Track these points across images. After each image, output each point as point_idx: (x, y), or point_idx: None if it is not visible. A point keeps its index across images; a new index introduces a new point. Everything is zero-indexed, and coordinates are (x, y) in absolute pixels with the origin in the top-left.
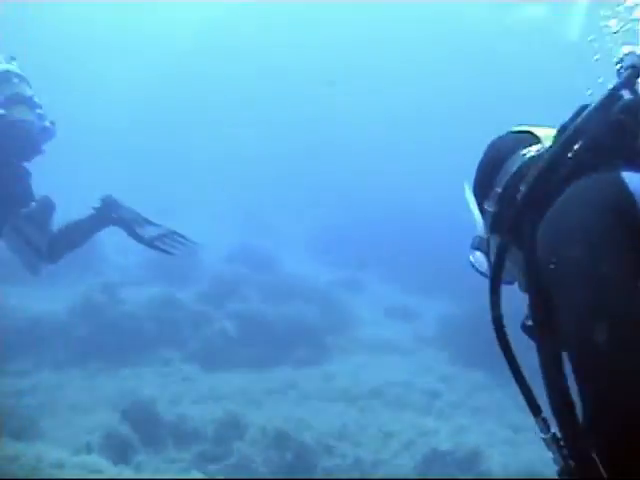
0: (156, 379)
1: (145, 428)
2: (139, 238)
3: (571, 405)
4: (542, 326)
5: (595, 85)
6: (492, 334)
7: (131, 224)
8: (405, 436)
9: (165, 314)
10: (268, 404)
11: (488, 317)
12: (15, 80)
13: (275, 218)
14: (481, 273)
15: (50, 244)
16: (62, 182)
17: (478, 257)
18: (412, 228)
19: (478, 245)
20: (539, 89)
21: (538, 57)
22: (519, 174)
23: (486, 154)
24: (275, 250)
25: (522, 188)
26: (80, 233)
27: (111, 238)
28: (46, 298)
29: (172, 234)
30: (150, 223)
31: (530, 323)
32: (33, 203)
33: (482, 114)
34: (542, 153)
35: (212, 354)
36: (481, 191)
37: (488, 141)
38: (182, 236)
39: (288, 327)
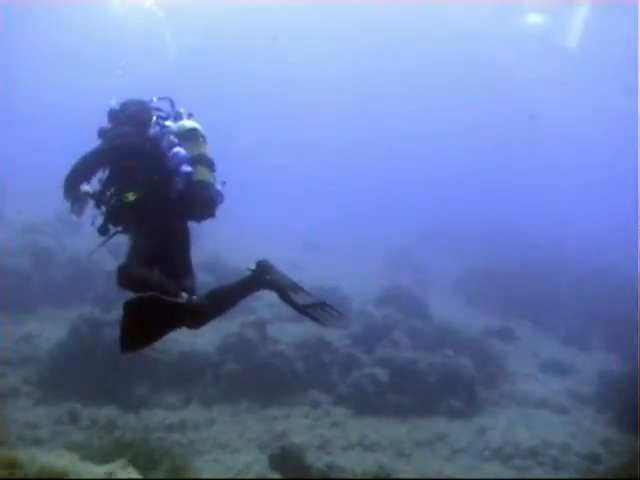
0: (304, 422)
1: (295, 476)
2: (292, 304)
3: None
4: None
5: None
6: None
7: (285, 289)
8: None
9: (315, 356)
10: (418, 457)
11: None
12: (201, 140)
13: (424, 259)
14: None
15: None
16: None
17: None
18: (569, 276)
19: None
20: (538, 96)
21: (537, 64)
22: None
23: None
24: (424, 293)
25: None
26: (233, 298)
27: None
28: (197, 333)
29: (322, 304)
30: (302, 290)
31: None
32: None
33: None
34: None
35: (362, 400)
36: None
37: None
38: (331, 307)
39: (439, 377)
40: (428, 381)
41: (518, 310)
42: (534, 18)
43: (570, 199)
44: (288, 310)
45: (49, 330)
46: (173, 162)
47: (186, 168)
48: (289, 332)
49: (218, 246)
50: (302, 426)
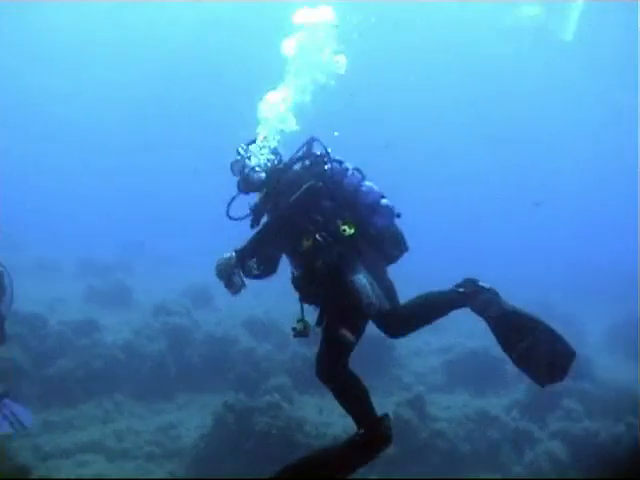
0: None
1: None
2: (512, 353)
3: None
4: None
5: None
6: None
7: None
8: None
9: (481, 434)
10: None
11: None
12: None
13: (570, 309)
14: None
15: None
16: None
17: None
18: None
19: None
20: (533, 89)
21: (532, 58)
22: None
23: None
24: (580, 349)
25: None
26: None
27: (406, 342)
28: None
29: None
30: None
31: None
32: None
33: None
34: None
35: None
36: None
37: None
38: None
39: (626, 450)
40: (616, 455)
41: None
42: (530, 10)
43: None
44: (441, 378)
45: (190, 419)
46: (371, 197)
47: (388, 202)
48: (443, 404)
49: None
50: None
